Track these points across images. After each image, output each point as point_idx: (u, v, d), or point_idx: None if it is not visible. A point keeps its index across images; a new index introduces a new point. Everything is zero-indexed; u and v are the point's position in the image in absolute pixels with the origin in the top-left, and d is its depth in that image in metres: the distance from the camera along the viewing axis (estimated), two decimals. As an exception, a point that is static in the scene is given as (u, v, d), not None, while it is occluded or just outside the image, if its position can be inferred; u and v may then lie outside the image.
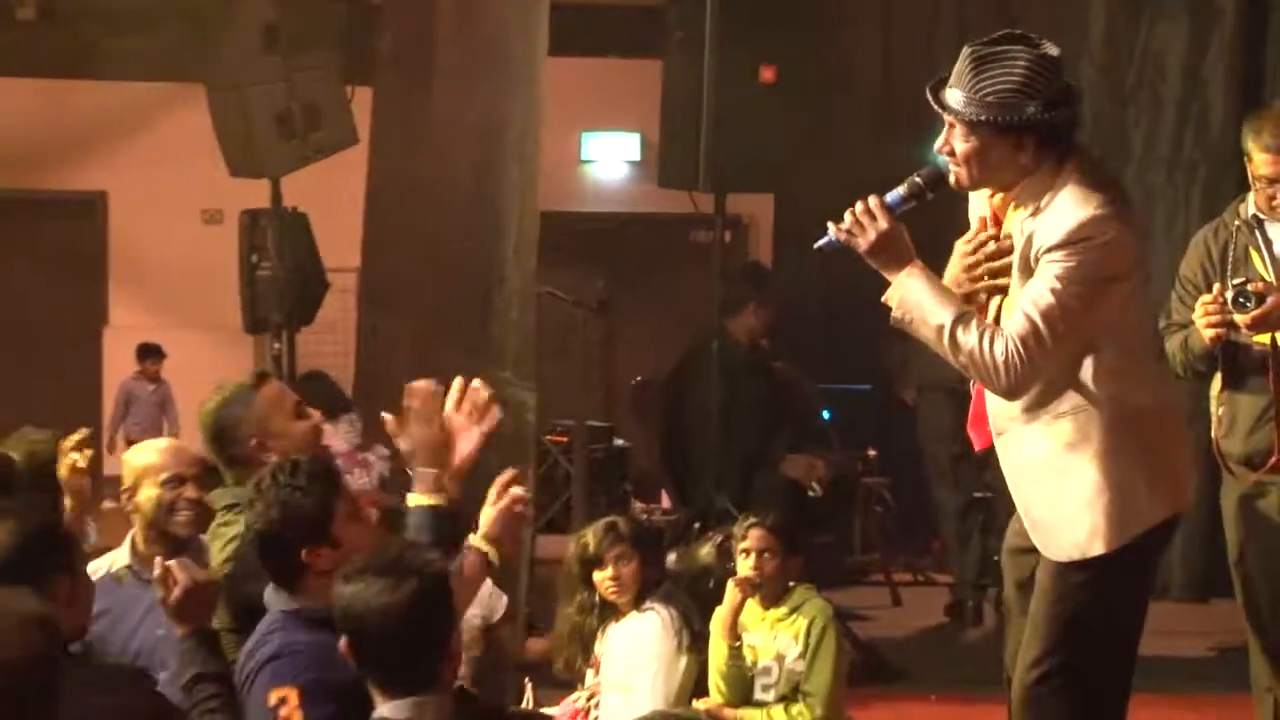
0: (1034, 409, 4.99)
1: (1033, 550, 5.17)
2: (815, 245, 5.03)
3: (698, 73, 10.89)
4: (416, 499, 4.89)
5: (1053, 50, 4.88)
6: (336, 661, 4.34)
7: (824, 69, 10.90)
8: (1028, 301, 4.80)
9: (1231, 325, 6.12)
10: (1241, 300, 6.04)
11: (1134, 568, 5.07)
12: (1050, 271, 4.78)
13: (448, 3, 11.20)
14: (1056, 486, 5.00)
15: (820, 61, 10.96)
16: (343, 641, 4.11)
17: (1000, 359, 4.75)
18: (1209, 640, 8.98)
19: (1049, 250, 4.80)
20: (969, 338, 4.77)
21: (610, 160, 17.59)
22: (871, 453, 11.78)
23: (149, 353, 16.13)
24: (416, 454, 4.89)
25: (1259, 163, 6.25)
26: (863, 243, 4.85)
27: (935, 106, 4.89)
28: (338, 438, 7.91)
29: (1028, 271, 4.86)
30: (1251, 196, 6.41)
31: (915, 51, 12.18)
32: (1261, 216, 6.37)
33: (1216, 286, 6.19)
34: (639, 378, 13.08)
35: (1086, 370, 4.94)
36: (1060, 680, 5.03)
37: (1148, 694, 5.30)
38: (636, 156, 17.01)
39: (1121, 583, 5.05)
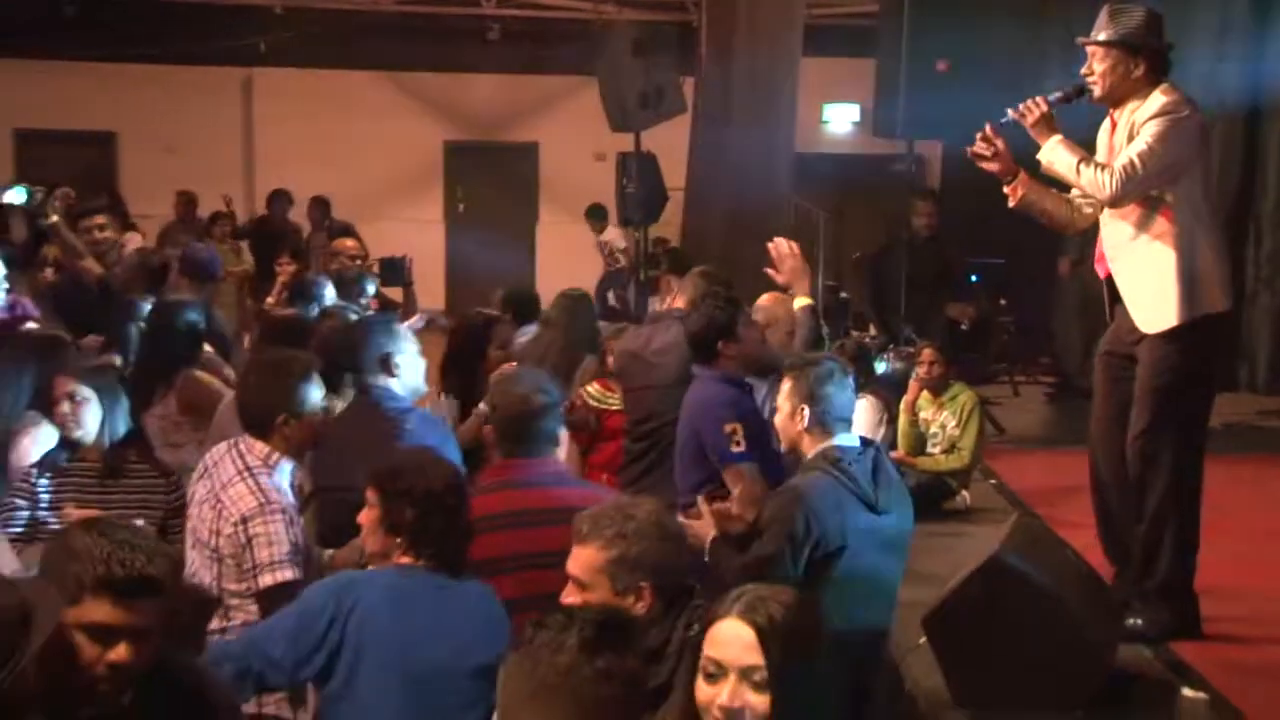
0: (1133, 238, 4.82)
1: (1116, 354, 4.98)
2: (1000, 121, 4.96)
3: (897, 65, 10.67)
4: (800, 301, 5.32)
5: (1158, 12, 4.89)
6: (747, 405, 4.54)
7: (977, 61, 10.51)
8: (1132, 148, 4.72)
9: None
10: None
11: (1202, 344, 4.81)
12: (1146, 132, 4.71)
13: (743, 24, 11.01)
14: (1149, 281, 4.80)
15: (975, 57, 10.55)
16: None
17: (1109, 176, 4.69)
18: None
19: (1145, 121, 4.73)
20: (1089, 168, 4.73)
21: (841, 121, 17.17)
22: (1002, 301, 11.46)
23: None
24: (793, 282, 5.32)
25: None
26: (1029, 119, 4.83)
27: (1084, 44, 4.87)
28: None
29: (1132, 140, 4.77)
30: None
31: (1033, 52, 11.60)
32: None
33: None
34: (857, 254, 12.83)
35: (1167, 211, 4.76)
36: (1161, 437, 4.78)
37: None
38: (857, 119, 16.57)
39: (1195, 354, 4.80)
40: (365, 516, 3.64)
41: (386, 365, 4.80)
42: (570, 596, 3.14)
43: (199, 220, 13.96)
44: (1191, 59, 9.62)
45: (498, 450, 4.16)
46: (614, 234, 14.45)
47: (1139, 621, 4.80)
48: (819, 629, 2.46)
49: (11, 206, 8.50)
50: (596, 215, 14.70)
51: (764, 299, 5.79)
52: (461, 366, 5.40)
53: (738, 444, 4.46)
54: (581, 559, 3.12)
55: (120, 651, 2.43)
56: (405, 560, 3.48)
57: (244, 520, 3.86)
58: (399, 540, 3.49)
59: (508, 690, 2.09)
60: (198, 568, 3.96)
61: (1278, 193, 9.50)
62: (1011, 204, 5.06)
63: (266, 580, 3.81)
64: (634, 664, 2.17)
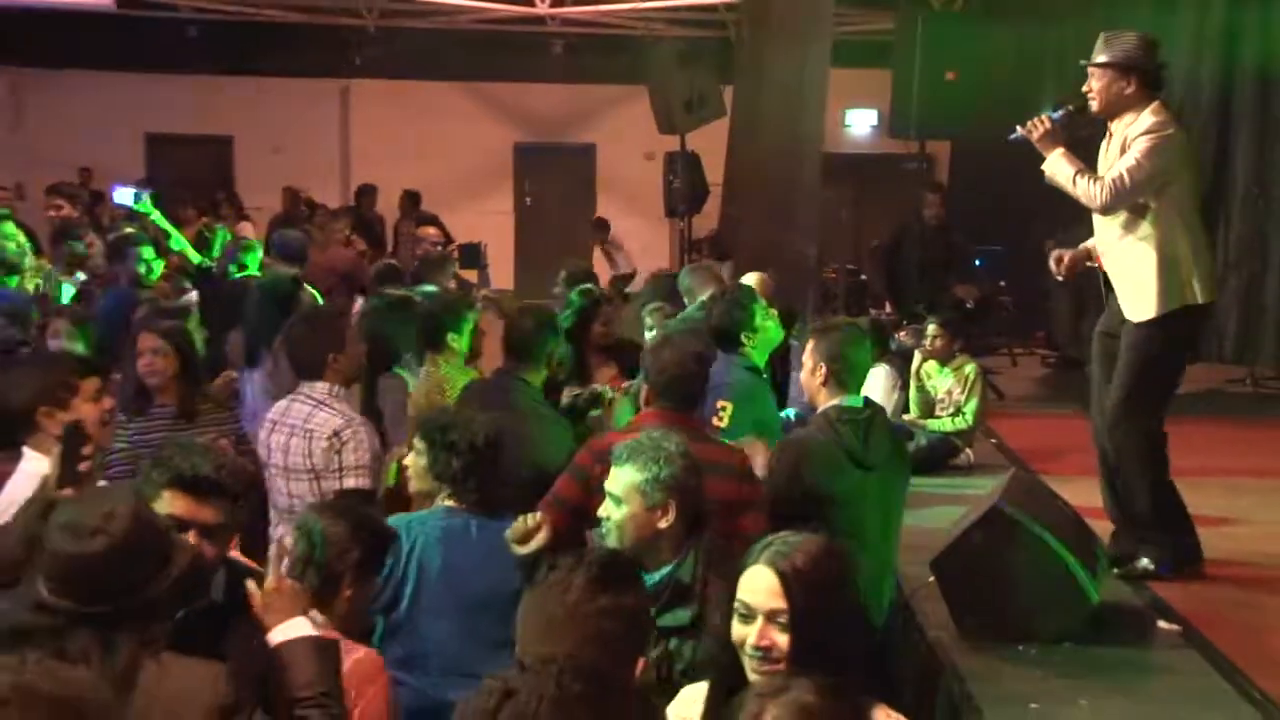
0: (1121, 238, 4.77)
1: (1109, 335, 4.91)
2: (1009, 138, 4.91)
3: (910, 75, 10.64)
4: None
5: (1152, 36, 4.81)
6: (757, 393, 4.51)
7: (982, 72, 10.44)
8: (1121, 163, 4.65)
9: None
10: None
11: (1177, 331, 4.77)
12: (1135, 148, 4.64)
13: (776, 38, 10.92)
14: (1133, 276, 4.75)
15: (980, 68, 10.48)
16: None
17: (1099, 188, 4.64)
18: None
19: (1135, 138, 4.66)
20: (1084, 180, 4.66)
21: (861, 124, 17.01)
22: (1002, 283, 11.35)
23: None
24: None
25: None
26: (1035, 134, 4.77)
27: (1084, 65, 4.79)
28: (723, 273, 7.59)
29: (1123, 153, 4.69)
30: None
31: (1031, 64, 11.47)
32: None
33: None
34: (875, 241, 12.76)
35: (1152, 216, 4.70)
36: (1131, 405, 4.76)
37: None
38: (875, 122, 16.44)
39: (1170, 339, 4.76)
40: (412, 461, 3.71)
41: (550, 361, 4.81)
42: (605, 511, 3.20)
43: (302, 212, 14.06)
44: (1172, 64, 9.53)
45: (652, 403, 4.08)
46: (612, 242, 14.38)
47: (1147, 561, 4.78)
48: (843, 576, 2.41)
49: (125, 207, 8.69)
50: (600, 227, 14.62)
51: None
52: (571, 341, 5.48)
53: (719, 419, 4.51)
54: (620, 479, 3.17)
55: (189, 540, 2.52)
56: (450, 503, 3.55)
57: (336, 434, 4.04)
58: (444, 486, 3.56)
59: (524, 624, 2.09)
60: (302, 492, 4.10)
61: (1245, 184, 9.45)
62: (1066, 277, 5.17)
63: (350, 482, 3.96)
64: (635, 602, 2.14)
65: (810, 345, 4.10)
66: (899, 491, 4.15)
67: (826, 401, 4.02)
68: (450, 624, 3.42)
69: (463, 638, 3.39)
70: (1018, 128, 4.82)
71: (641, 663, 2.13)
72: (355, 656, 2.85)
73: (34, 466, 3.46)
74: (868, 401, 4.10)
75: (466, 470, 3.51)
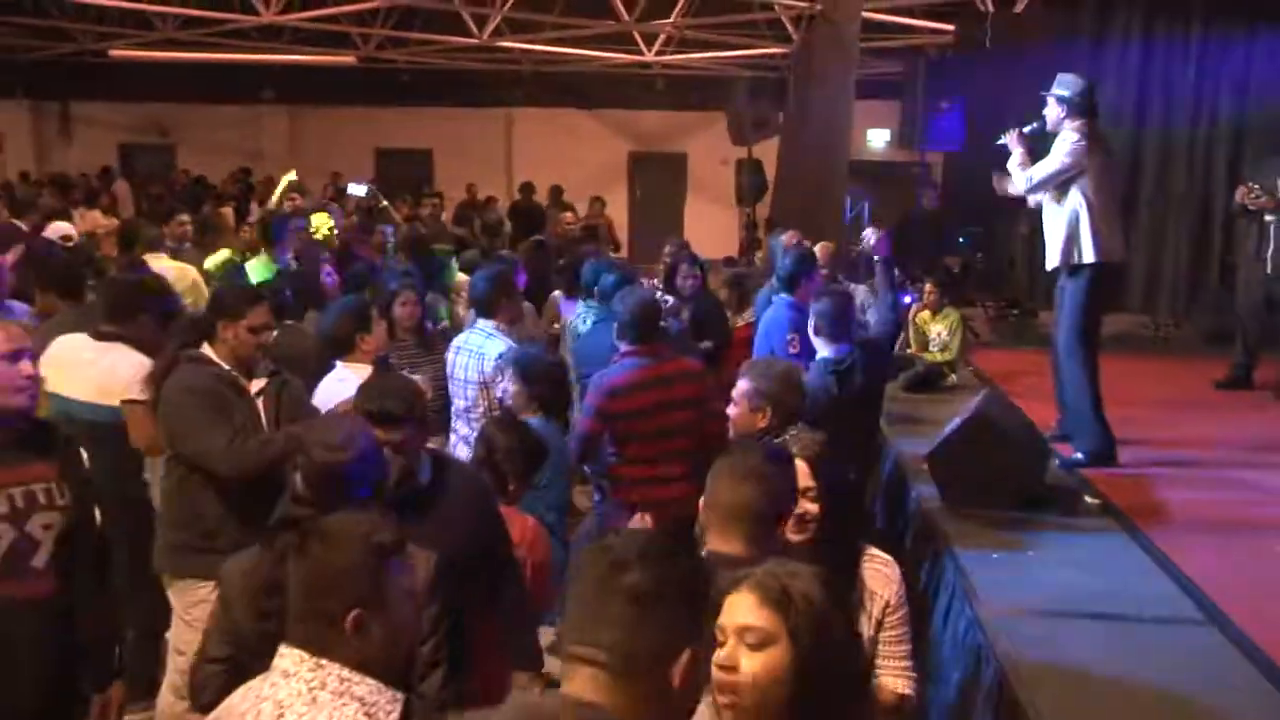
0: (1053, 215, 4.75)
1: (1062, 289, 4.87)
2: (995, 145, 4.90)
3: (915, 105, 10.37)
4: None
5: (1088, 79, 4.77)
6: (802, 322, 4.31)
7: (969, 102, 10.17)
8: (1041, 162, 4.69)
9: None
10: None
11: (1093, 281, 4.72)
12: (1053, 151, 4.66)
13: (816, 79, 10.77)
14: (1052, 237, 4.75)
15: (968, 99, 10.21)
16: None
17: (1024, 176, 4.69)
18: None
19: (1056, 144, 4.66)
20: (1020, 170, 4.72)
21: (878, 140, 16.57)
22: (979, 254, 11.09)
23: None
24: None
25: None
26: (1009, 141, 4.82)
27: (1046, 94, 4.75)
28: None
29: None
30: None
31: (1005, 98, 11.14)
32: None
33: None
34: (891, 226, 12.53)
35: (1066, 199, 4.68)
36: (1074, 338, 4.77)
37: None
38: (888, 139, 16.09)
39: (1089, 287, 4.72)
40: (514, 387, 3.75)
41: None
42: (730, 408, 3.21)
43: (478, 202, 14.28)
44: (1101, 98, 9.27)
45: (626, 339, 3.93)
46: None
47: (1080, 454, 4.81)
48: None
49: (353, 194, 9.13)
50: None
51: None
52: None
53: (794, 347, 4.45)
54: (740, 387, 3.19)
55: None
56: (533, 416, 3.61)
57: (500, 355, 4.08)
58: (534, 405, 3.66)
59: (717, 478, 2.08)
60: (474, 397, 4.17)
61: (1152, 188, 9.59)
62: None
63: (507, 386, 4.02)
64: (781, 485, 2.12)
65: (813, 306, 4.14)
66: (873, 414, 4.20)
67: (821, 349, 4.04)
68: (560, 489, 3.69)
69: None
70: (1004, 136, 4.87)
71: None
72: (525, 523, 2.96)
73: (345, 373, 3.62)
74: (845, 349, 4.06)
75: (545, 392, 3.59)
